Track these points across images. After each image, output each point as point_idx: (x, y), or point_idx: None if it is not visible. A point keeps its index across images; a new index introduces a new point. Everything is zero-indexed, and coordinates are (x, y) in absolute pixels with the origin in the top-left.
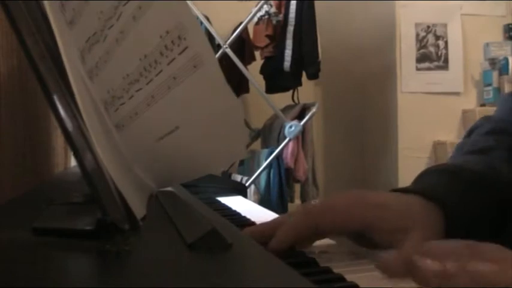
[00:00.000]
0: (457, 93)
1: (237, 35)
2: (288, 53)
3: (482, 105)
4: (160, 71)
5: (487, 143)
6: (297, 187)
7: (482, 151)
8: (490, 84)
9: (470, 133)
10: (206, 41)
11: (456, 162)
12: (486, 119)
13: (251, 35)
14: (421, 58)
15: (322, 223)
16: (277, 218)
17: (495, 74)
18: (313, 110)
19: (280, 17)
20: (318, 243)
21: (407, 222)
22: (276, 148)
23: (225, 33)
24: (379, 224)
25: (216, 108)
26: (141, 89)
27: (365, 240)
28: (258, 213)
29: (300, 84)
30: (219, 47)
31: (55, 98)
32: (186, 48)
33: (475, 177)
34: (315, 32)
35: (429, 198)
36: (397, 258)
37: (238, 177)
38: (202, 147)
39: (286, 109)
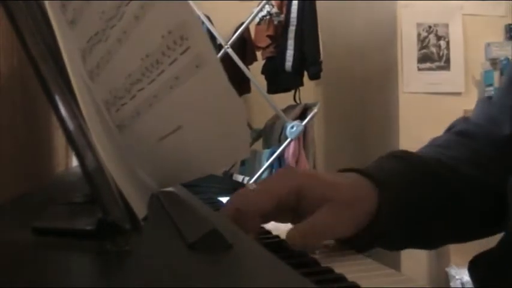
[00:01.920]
0: (458, 94)
1: (238, 35)
2: (290, 53)
3: None
4: (163, 71)
5: (451, 142)
6: None
7: (443, 147)
8: (491, 85)
9: (448, 130)
10: (208, 41)
11: (415, 152)
12: (463, 119)
13: (252, 35)
14: (423, 58)
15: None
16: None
17: (496, 74)
18: (315, 110)
19: (282, 17)
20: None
21: (329, 194)
22: (278, 148)
23: (226, 34)
24: (306, 191)
25: (219, 108)
26: (143, 88)
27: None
28: None
29: (302, 84)
30: (220, 47)
31: (56, 98)
32: (188, 48)
33: (419, 162)
34: (317, 32)
35: (366, 175)
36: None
37: (239, 178)
38: (204, 147)
39: (287, 109)
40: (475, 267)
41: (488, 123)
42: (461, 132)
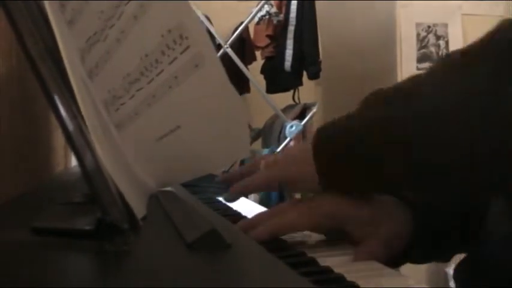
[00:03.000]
0: None
1: (237, 35)
2: (289, 52)
3: None
4: (162, 70)
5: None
6: None
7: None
8: None
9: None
10: (208, 40)
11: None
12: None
13: (252, 35)
14: (422, 58)
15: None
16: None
17: None
18: (314, 109)
19: (281, 16)
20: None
21: (381, 217)
22: (277, 148)
23: (225, 33)
24: (347, 226)
25: (218, 107)
26: (142, 88)
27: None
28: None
29: (301, 84)
30: (219, 47)
31: (55, 98)
32: (187, 47)
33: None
34: (316, 31)
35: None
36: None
37: None
38: (203, 147)
39: (286, 109)
40: (457, 274)
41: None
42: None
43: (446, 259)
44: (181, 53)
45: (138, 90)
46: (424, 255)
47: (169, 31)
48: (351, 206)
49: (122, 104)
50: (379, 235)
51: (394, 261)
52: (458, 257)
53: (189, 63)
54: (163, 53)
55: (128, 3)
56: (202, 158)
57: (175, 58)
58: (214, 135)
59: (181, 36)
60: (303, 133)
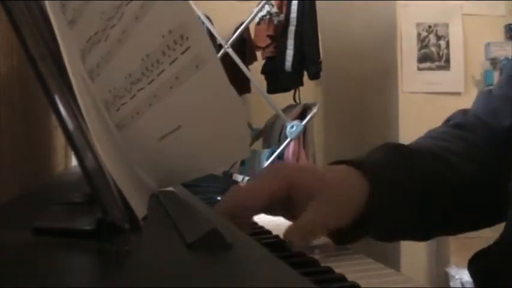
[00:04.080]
0: (458, 93)
1: (238, 35)
2: (289, 53)
3: None
4: (163, 70)
5: (446, 134)
6: None
7: (438, 138)
8: (491, 85)
9: (446, 122)
10: (208, 40)
11: (411, 142)
12: (462, 112)
13: (252, 35)
14: (422, 58)
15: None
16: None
17: (496, 74)
18: (314, 110)
19: (282, 17)
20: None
21: (319, 190)
22: (277, 148)
23: (226, 33)
24: (296, 188)
25: (219, 107)
26: (143, 88)
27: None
28: None
29: (301, 84)
30: (220, 47)
31: (56, 97)
32: (188, 47)
33: (409, 152)
34: (316, 32)
35: (356, 166)
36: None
37: (239, 177)
38: (204, 147)
39: (287, 109)
40: (474, 265)
41: (488, 116)
42: (458, 125)
43: (424, 238)
44: (182, 54)
45: (139, 90)
46: (393, 229)
47: (170, 32)
48: (303, 174)
49: (123, 104)
50: (330, 191)
51: (352, 230)
52: (459, 255)
53: (190, 64)
54: (164, 53)
55: (128, 3)
56: (203, 158)
57: (176, 59)
58: (214, 135)
59: (182, 37)
60: (303, 133)
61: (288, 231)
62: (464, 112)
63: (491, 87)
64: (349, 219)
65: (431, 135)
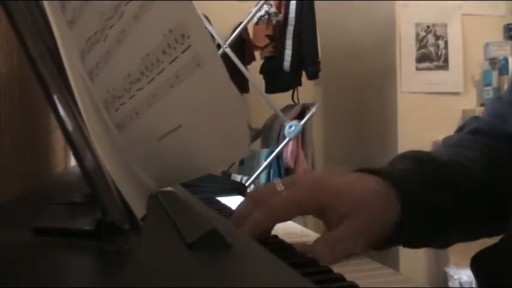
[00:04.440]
0: (457, 93)
1: (236, 35)
2: (288, 53)
3: (482, 105)
4: (163, 69)
5: (466, 142)
6: None
7: (460, 146)
8: (490, 84)
9: (460, 129)
10: (210, 39)
11: (431, 152)
12: (475, 118)
13: (251, 35)
14: (421, 58)
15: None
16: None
17: (495, 74)
18: (313, 110)
19: (280, 17)
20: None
21: (355, 212)
22: (276, 148)
23: (224, 33)
24: (331, 209)
25: (219, 106)
26: (142, 88)
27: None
28: None
29: (300, 84)
30: (218, 47)
31: (55, 98)
32: (189, 46)
33: (440, 167)
34: (315, 32)
35: (392, 183)
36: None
37: (238, 177)
38: (203, 146)
39: (286, 109)
40: (476, 263)
41: (497, 121)
42: (474, 131)
43: (447, 246)
44: (182, 52)
45: (138, 90)
46: (414, 241)
47: (171, 30)
48: (338, 196)
49: (122, 104)
50: (365, 214)
51: (375, 247)
52: (458, 255)
53: (190, 62)
54: (164, 52)
55: (127, 3)
56: (203, 157)
57: (176, 57)
58: (214, 134)
59: (182, 36)
60: (302, 133)
61: (318, 243)
62: (476, 118)
63: (490, 93)
64: (380, 237)
65: (450, 143)
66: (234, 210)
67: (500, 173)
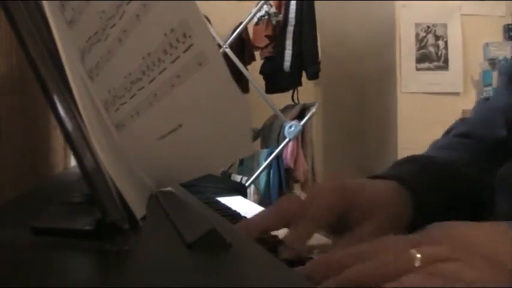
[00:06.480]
0: (456, 94)
1: (236, 35)
2: (288, 53)
3: None
4: (164, 69)
5: (456, 145)
6: (297, 187)
7: (450, 150)
8: (489, 85)
9: (447, 133)
10: (212, 38)
11: (428, 155)
12: (461, 120)
13: (251, 35)
14: (421, 58)
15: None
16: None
17: (495, 74)
18: (313, 110)
19: (280, 17)
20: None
21: (372, 209)
22: (276, 148)
23: (224, 34)
24: (353, 211)
25: (222, 105)
26: (143, 87)
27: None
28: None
29: (300, 84)
30: (218, 47)
31: (55, 98)
32: (191, 45)
33: (442, 168)
34: (315, 32)
35: (402, 183)
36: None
37: (238, 177)
38: (204, 146)
39: (285, 109)
40: None
41: (485, 126)
42: (463, 135)
43: None
44: (184, 52)
45: (139, 89)
46: None
47: (172, 30)
48: (360, 197)
49: (122, 104)
50: (384, 214)
51: None
52: None
53: (192, 61)
54: (165, 51)
55: (129, 2)
56: (203, 157)
57: (178, 57)
58: (216, 134)
59: (184, 35)
60: (301, 133)
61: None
62: (462, 121)
63: (490, 93)
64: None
65: (439, 145)
66: (258, 229)
67: (489, 177)
